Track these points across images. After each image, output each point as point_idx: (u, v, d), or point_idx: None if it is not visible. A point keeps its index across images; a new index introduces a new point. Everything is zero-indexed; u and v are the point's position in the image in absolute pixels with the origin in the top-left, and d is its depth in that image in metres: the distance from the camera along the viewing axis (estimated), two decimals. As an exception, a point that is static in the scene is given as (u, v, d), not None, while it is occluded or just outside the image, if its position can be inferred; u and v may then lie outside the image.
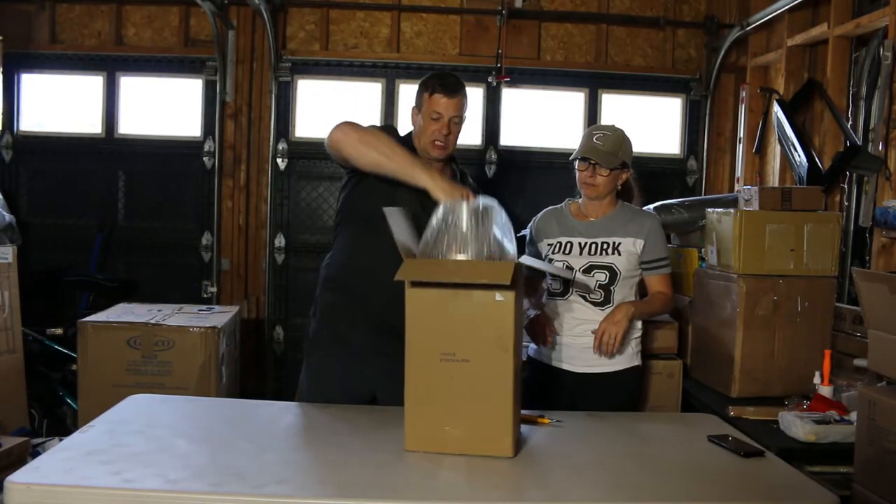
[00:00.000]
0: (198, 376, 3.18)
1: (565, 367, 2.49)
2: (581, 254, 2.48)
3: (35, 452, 2.76)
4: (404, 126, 4.52)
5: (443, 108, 2.29)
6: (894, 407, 1.90)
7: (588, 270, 2.46)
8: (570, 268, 2.47)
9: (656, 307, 2.54)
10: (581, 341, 2.46)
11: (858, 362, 2.63)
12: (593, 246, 2.48)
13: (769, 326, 2.80)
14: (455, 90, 2.31)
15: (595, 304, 2.46)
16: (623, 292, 2.47)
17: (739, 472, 1.79)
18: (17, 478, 1.54)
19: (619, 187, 2.54)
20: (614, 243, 2.47)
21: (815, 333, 2.80)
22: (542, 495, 1.63)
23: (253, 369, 4.46)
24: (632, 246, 2.47)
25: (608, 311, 2.43)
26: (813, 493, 1.67)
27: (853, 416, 2.22)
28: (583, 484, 1.71)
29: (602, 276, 2.45)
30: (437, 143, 2.31)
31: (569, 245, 2.51)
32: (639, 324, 2.53)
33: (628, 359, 2.50)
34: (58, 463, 1.64)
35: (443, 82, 2.31)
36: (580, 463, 1.83)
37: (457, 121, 2.33)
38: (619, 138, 2.49)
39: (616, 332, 2.37)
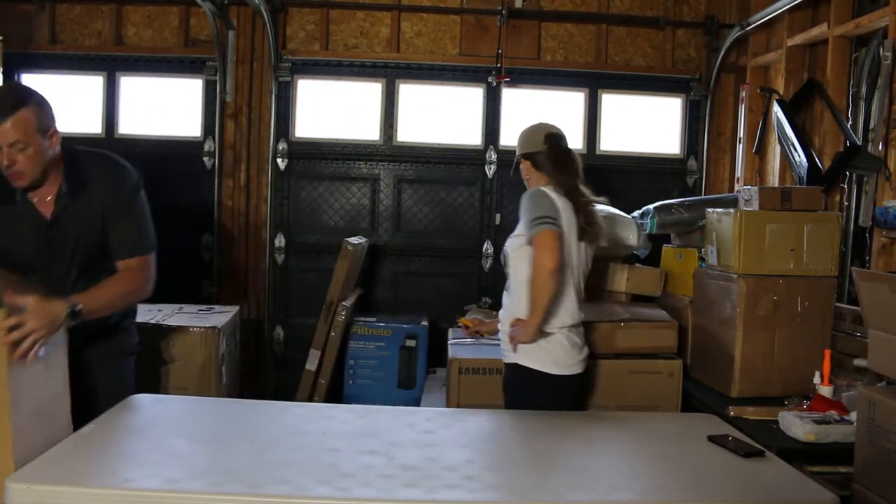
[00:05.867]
0: (198, 376, 3.17)
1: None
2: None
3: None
4: (403, 127, 4.59)
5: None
6: (894, 407, 1.90)
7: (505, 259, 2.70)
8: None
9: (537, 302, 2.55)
10: (503, 328, 2.64)
11: (858, 362, 2.63)
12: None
13: (769, 326, 2.80)
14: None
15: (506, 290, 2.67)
16: (513, 272, 2.61)
17: (739, 472, 1.79)
18: (17, 478, 1.54)
19: (529, 176, 2.71)
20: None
21: (815, 333, 2.80)
22: (542, 495, 1.64)
23: (253, 369, 4.46)
24: (519, 228, 2.62)
25: (510, 293, 2.62)
26: (813, 493, 1.68)
27: (853, 416, 2.22)
28: (582, 484, 1.71)
29: (503, 261, 2.71)
30: (10, 174, 2.04)
31: None
32: (505, 324, 2.61)
33: (511, 355, 2.59)
34: (58, 463, 1.65)
35: None
36: (580, 463, 1.83)
37: (20, 146, 1.99)
38: (519, 138, 2.78)
39: (515, 337, 2.53)
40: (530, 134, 2.75)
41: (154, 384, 3.09)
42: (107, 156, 2.28)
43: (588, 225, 2.58)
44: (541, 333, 2.49)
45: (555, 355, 2.52)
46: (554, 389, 2.53)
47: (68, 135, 4.79)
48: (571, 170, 2.64)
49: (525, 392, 2.56)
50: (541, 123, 2.79)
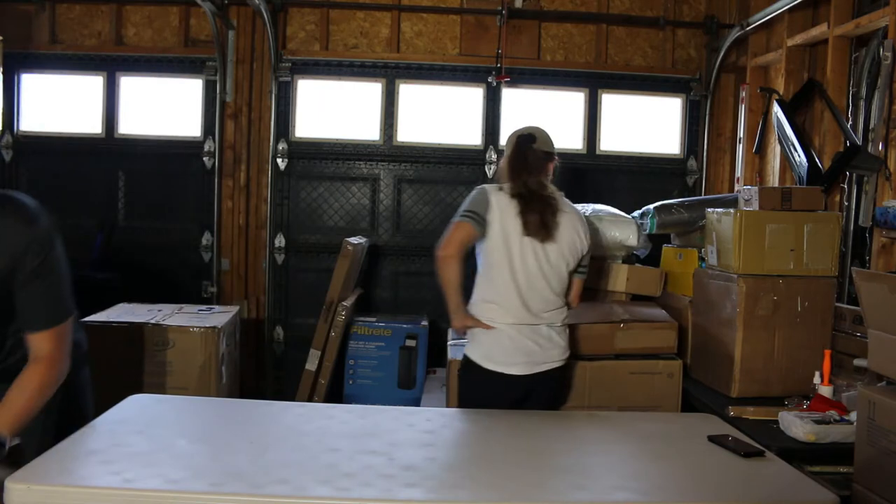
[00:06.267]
0: (198, 376, 3.18)
1: None
2: None
3: (35, 452, 2.75)
4: (403, 127, 4.59)
5: None
6: (894, 407, 1.90)
7: None
8: None
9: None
10: None
11: (858, 362, 2.63)
12: None
13: (769, 326, 2.80)
14: None
15: None
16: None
17: (739, 472, 1.79)
18: (17, 478, 1.54)
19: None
20: None
21: (815, 333, 2.80)
22: (542, 495, 1.64)
23: (253, 369, 4.46)
24: None
25: None
26: (813, 493, 1.68)
27: (853, 416, 2.22)
28: (583, 484, 1.71)
29: None
30: None
31: None
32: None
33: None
34: (58, 463, 1.64)
35: None
36: (580, 463, 1.83)
37: None
38: None
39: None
40: (508, 138, 2.79)
41: (150, 384, 3.10)
42: (10, 199, 1.80)
43: (532, 221, 2.53)
44: (479, 323, 2.54)
45: (488, 349, 2.53)
46: (480, 381, 2.53)
47: (68, 135, 4.83)
48: (522, 169, 2.62)
49: (461, 375, 2.66)
50: (522, 127, 2.77)
